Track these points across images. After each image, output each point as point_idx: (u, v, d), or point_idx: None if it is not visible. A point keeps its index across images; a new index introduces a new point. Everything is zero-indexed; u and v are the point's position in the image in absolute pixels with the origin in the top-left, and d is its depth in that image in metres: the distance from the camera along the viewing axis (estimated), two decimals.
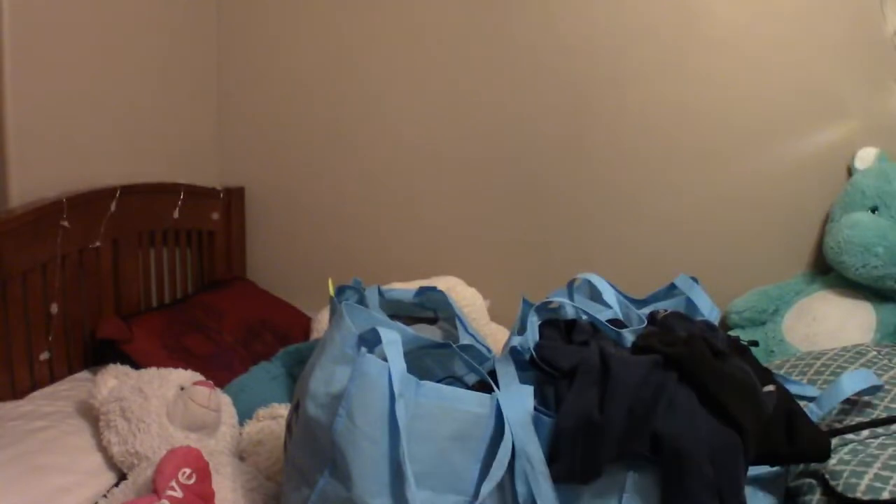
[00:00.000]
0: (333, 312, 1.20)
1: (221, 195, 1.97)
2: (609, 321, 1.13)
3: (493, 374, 1.01)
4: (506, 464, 0.91)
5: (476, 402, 0.94)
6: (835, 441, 1.04)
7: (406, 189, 1.97)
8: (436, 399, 0.93)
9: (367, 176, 1.98)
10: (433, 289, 1.30)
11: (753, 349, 1.19)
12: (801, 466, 1.04)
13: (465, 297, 1.77)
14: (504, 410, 0.93)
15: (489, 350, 1.18)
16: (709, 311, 1.20)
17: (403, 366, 0.93)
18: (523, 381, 1.00)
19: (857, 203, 1.64)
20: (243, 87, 2.01)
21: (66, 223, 1.45)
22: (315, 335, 1.80)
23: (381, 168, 1.97)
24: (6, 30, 1.35)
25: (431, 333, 1.25)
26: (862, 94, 1.70)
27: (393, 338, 0.95)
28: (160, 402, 1.27)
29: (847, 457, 1.00)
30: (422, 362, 1.13)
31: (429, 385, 0.94)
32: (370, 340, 0.99)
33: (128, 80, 1.71)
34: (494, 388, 0.97)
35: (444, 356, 1.14)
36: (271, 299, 1.94)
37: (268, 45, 1.99)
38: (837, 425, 1.08)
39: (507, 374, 0.98)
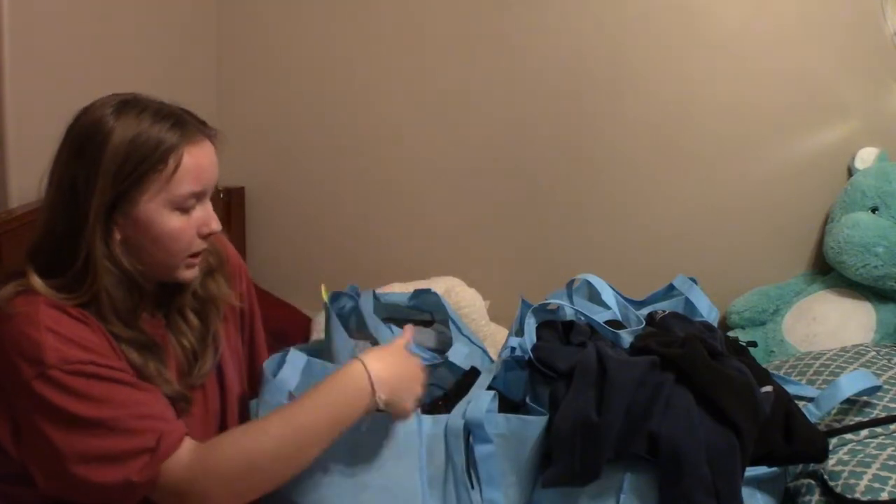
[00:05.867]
0: (327, 319, 1.20)
1: (221, 195, 1.96)
2: (607, 322, 1.13)
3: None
4: (416, 474, 0.95)
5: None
6: (833, 441, 1.04)
7: (407, 190, 1.96)
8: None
9: (368, 176, 1.98)
10: (428, 291, 1.30)
11: (753, 350, 1.20)
12: (800, 467, 1.04)
13: (465, 298, 1.77)
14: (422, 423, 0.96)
15: (485, 351, 1.19)
16: (707, 311, 1.20)
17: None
18: (517, 380, 1.01)
19: (858, 203, 1.64)
20: (243, 87, 2.01)
21: None
22: (315, 335, 1.80)
23: (382, 169, 1.97)
24: (6, 30, 1.34)
25: (427, 336, 1.25)
26: (862, 94, 1.70)
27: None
28: None
29: (846, 457, 1.00)
30: None
31: None
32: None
33: (128, 80, 1.68)
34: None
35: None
36: (271, 299, 1.94)
37: (268, 47, 1.98)
38: (836, 425, 1.08)
39: (480, 383, 1.02)
